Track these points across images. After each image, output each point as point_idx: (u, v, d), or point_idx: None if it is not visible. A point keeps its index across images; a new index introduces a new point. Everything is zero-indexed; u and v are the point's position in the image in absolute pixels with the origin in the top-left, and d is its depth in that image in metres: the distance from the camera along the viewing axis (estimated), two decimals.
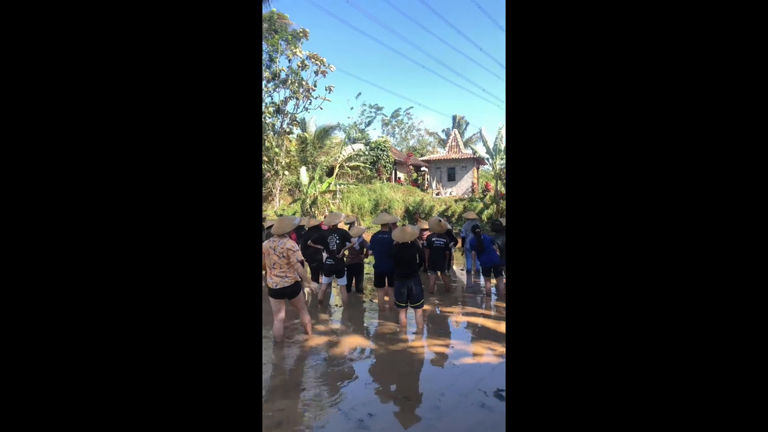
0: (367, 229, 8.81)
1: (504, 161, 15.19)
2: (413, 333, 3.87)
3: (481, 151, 16.89)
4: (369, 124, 31.98)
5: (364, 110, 31.23)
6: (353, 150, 16.51)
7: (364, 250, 5.16)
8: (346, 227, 5.96)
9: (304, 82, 15.16)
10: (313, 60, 14.88)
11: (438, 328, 4.11)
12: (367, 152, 17.62)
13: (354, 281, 5.37)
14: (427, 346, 3.59)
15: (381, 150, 19.19)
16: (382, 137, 21.97)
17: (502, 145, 15.11)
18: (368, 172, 18.96)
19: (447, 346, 3.58)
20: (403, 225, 4.07)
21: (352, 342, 3.64)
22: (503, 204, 15.16)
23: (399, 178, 20.58)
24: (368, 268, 6.53)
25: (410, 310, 4.03)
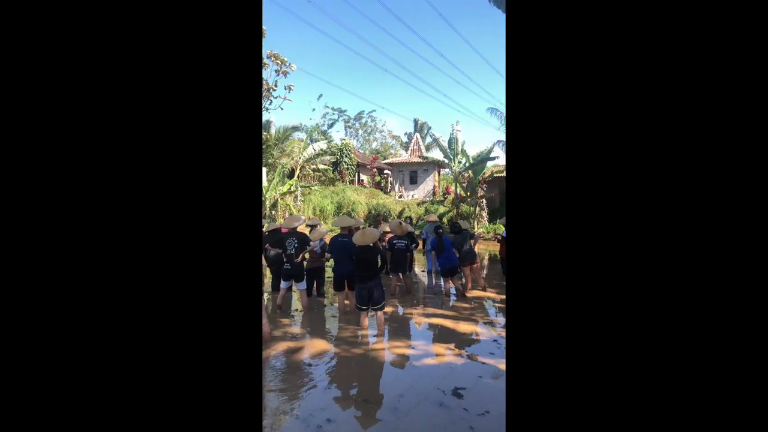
0: (329, 232, 8.72)
1: (462, 165, 15.65)
2: (374, 336, 3.88)
3: (438, 156, 17.23)
4: (331, 125, 31.69)
5: (327, 112, 30.96)
6: (314, 150, 16.27)
7: (325, 253, 5.10)
8: (307, 230, 5.87)
9: (264, 81, 14.76)
10: (273, 59, 14.54)
11: (399, 329, 4.15)
12: (328, 148, 17.37)
13: (315, 285, 5.29)
14: (388, 348, 3.61)
15: (344, 152, 19.11)
16: (345, 139, 21.89)
17: (459, 148, 15.55)
18: (331, 175, 18.80)
19: (408, 347, 3.62)
20: (364, 228, 4.07)
21: (312, 347, 3.58)
22: (463, 207, 15.61)
23: (362, 180, 20.60)
24: (330, 272, 6.46)
25: (372, 313, 4.03)
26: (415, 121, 30.85)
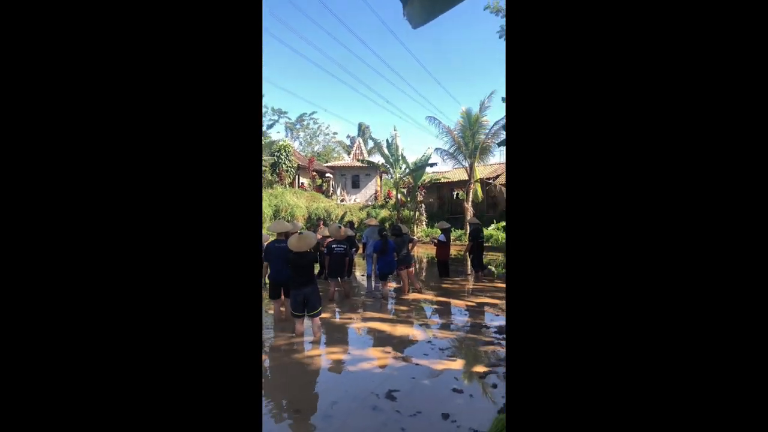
0: (266, 237, 8.38)
1: (402, 170, 16.01)
2: (310, 342, 3.79)
3: (381, 161, 17.49)
4: (271, 126, 30.63)
5: (266, 111, 29.86)
6: None
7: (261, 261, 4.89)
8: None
9: None
10: None
11: (336, 335, 4.11)
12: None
13: None
14: (324, 355, 3.56)
15: (282, 153, 18.53)
16: (284, 141, 21.23)
17: (399, 154, 15.92)
18: (269, 177, 18.14)
19: (344, 352, 3.59)
20: (300, 233, 3.98)
21: None
22: (404, 211, 15.97)
23: (302, 183, 20.14)
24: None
25: (308, 320, 3.94)
26: (360, 125, 30.98)
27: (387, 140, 16.28)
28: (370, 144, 27.04)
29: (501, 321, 4.58)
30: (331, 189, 20.86)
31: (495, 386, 2.85)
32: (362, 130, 30.50)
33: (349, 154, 24.43)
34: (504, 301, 5.57)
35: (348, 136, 32.92)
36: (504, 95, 4.92)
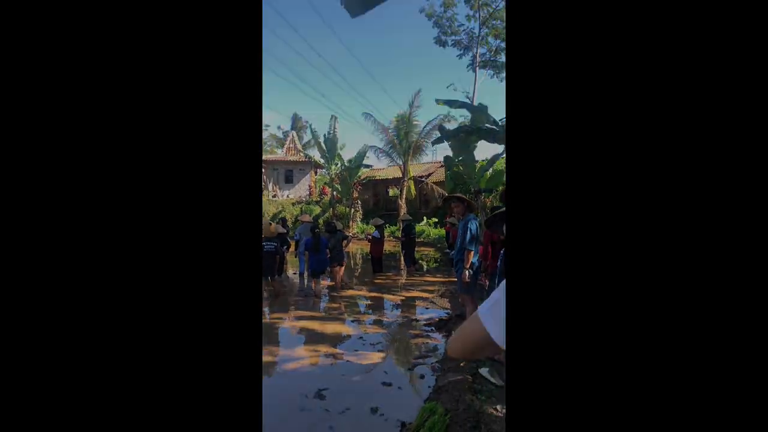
0: None
1: (338, 166, 15.89)
2: None
3: (317, 156, 17.17)
4: None
5: None
6: None
7: None
8: None
9: None
10: None
11: (265, 336, 3.94)
12: None
13: None
14: None
15: None
16: None
17: (337, 149, 15.77)
18: None
19: (271, 354, 3.47)
20: None
21: None
22: (339, 208, 15.87)
23: None
24: None
25: None
26: (293, 118, 29.95)
27: (328, 134, 15.93)
28: (305, 138, 26.21)
29: (430, 313, 4.77)
30: (263, 184, 19.96)
31: (422, 377, 2.96)
32: (298, 126, 29.47)
33: (282, 147, 23.55)
34: (433, 295, 5.82)
35: (279, 128, 31.71)
36: (436, 97, 5.12)
